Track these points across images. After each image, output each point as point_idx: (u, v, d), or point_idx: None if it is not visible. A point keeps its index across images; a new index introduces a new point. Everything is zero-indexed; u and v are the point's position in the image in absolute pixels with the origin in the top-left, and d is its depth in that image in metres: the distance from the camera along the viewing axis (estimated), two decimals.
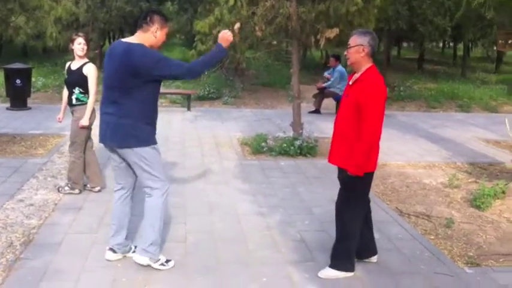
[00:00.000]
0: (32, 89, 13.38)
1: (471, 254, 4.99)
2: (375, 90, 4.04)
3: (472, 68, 28.07)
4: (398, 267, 4.60)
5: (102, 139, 4.35)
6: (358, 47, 4.16)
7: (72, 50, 6.20)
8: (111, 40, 27.24)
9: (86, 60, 6.22)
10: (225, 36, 4.26)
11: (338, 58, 13.76)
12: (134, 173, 4.44)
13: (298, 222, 5.62)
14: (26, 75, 12.58)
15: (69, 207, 5.78)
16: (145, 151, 4.21)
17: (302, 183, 7.03)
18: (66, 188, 6.22)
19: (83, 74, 6.12)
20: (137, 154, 4.20)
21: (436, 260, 4.78)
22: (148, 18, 4.18)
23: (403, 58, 36.92)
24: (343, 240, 4.37)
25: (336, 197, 4.50)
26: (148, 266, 4.36)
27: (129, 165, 4.37)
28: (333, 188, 6.62)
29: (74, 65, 6.21)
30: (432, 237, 5.39)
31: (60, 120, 6.47)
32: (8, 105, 12.37)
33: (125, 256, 4.55)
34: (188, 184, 6.81)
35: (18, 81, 12.23)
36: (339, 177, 4.48)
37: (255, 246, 4.95)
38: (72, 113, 6.26)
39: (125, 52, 4.09)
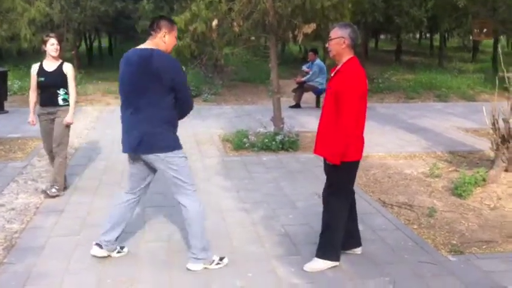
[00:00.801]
0: (8, 92, 13.21)
1: (454, 242, 5.04)
2: (352, 80, 4.10)
3: (449, 58, 28.34)
4: (382, 257, 4.63)
5: (127, 148, 4.28)
6: (339, 39, 4.20)
7: (45, 51, 6.18)
8: (87, 40, 26.96)
9: (61, 60, 6.26)
10: None
11: (316, 52, 13.81)
12: (149, 182, 4.47)
13: (282, 216, 5.63)
14: (1, 78, 12.41)
15: (51, 210, 5.72)
16: (172, 157, 4.18)
17: (285, 178, 7.04)
18: (54, 190, 6.14)
19: (64, 74, 6.17)
20: (165, 161, 4.17)
21: (420, 249, 4.82)
22: (155, 25, 4.19)
23: (380, 50, 37.14)
24: (328, 229, 4.39)
25: (319, 191, 4.51)
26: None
27: (152, 172, 4.38)
28: (315, 182, 6.67)
29: (49, 66, 6.18)
30: (415, 226, 5.44)
31: (34, 123, 6.36)
32: None
33: (110, 255, 4.51)
34: None
35: None
36: (324, 169, 4.50)
37: (240, 242, 4.95)
38: (55, 113, 6.23)
39: (146, 57, 4.08)
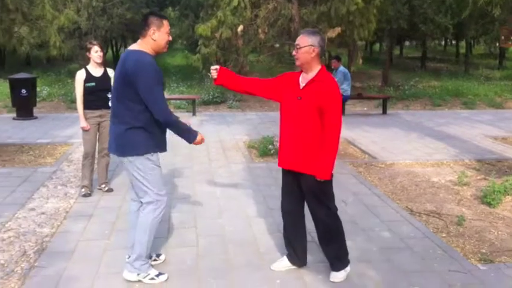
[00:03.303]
0: (37, 99, 13.44)
1: (484, 250, 4.98)
2: (336, 92, 3.98)
3: (475, 65, 28.08)
4: (411, 266, 4.59)
5: (109, 148, 4.30)
6: (309, 48, 4.03)
7: (89, 58, 6.41)
8: (114, 48, 27.30)
9: (102, 66, 6.53)
10: (200, 140, 4.27)
11: (339, 59, 13.79)
12: None
13: (308, 223, 5.59)
14: (31, 85, 12.64)
15: (80, 214, 5.79)
16: (138, 160, 4.08)
17: None
18: (107, 187, 6.68)
19: (109, 78, 6.46)
20: (132, 164, 4.10)
21: (449, 258, 4.77)
22: (144, 23, 4.06)
23: (405, 57, 36.94)
24: (338, 241, 4.33)
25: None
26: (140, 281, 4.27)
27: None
28: (340, 188, 6.64)
29: (96, 72, 6.42)
30: (444, 235, 5.38)
31: (88, 128, 6.40)
32: (14, 115, 12.43)
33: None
34: (197, 189, 6.82)
35: (23, 91, 12.29)
36: (298, 184, 4.28)
37: (267, 248, 4.95)
38: (105, 116, 6.42)
39: (123, 60, 4.03)
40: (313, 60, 4.07)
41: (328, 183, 4.16)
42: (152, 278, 4.25)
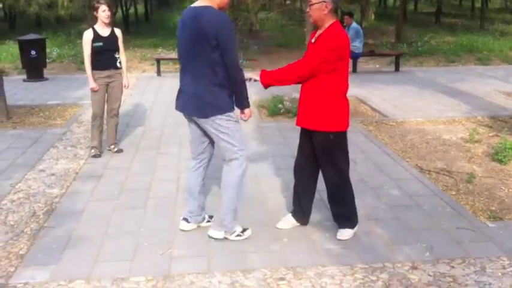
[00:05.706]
0: (47, 60, 13.41)
1: (493, 208, 4.95)
2: (336, 38, 3.89)
3: (490, 20, 27.50)
4: (419, 223, 4.58)
5: (182, 109, 4.19)
6: (321, 4, 3.96)
7: (97, 17, 6.36)
8: (123, 7, 27.01)
9: (110, 25, 6.47)
10: (249, 114, 4.17)
11: (352, 15, 13.56)
12: (211, 143, 4.32)
13: (318, 182, 5.59)
14: (40, 46, 12.58)
15: (90, 175, 5.83)
16: (220, 119, 4.02)
17: None
18: (116, 148, 6.70)
19: (117, 38, 6.49)
20: (214, 123, 4.03)
21: (458, 215, 4.75)
22: None
23: (420, 12, 36.25)
24: (346, 201, 4.34)
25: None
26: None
27: (206, 135, 4.24)
28: (350, 147, 6.54)
29: (104, 32, 6.38)
30: (453, 192, 5.35)
31: (97, 89, 6.39)
32: (24, 76, 12.43)
33: (199, 226, 4.51)
34: None
35: (33, 52, 12.25)
36: (311, 142, 4.26)
37: (275, 207, 4.96)
38: (113, 76, 6.48)
39: (195, 17, 3.90)
40: (327, 16, 4.00)
41: (340, 142, 4.15)
42: (238, 235, 4.32)
